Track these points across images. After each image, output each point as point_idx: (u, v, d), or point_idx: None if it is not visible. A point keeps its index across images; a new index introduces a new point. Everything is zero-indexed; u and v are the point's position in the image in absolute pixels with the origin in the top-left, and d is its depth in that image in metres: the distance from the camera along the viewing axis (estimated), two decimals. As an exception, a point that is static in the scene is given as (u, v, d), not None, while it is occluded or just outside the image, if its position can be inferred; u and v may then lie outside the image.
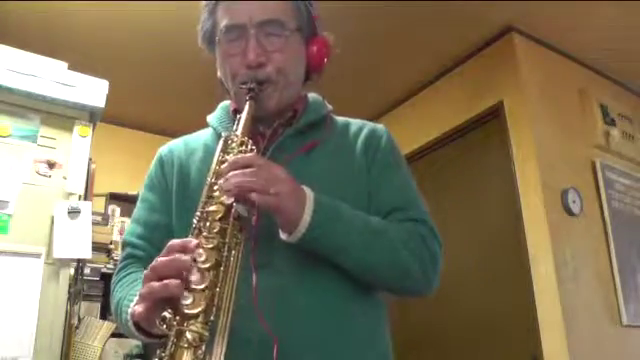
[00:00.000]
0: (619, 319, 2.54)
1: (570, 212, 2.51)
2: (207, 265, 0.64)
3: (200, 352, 0.59)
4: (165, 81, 3.15)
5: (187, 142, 0.99)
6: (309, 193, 0.77)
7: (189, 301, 0.61)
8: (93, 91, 1.85)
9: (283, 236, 0.77)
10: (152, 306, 0.64)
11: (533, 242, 2.43)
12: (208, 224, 0.69)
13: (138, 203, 0.97)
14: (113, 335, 2.08)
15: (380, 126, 0.99)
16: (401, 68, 3.06)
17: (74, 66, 1.92)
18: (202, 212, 0.71)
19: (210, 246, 0.66)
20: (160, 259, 0.65)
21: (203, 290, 0.62)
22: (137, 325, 0.71)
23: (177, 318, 0.61)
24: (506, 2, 2.51)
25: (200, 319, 0.61)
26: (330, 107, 0.98)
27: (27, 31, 2.60)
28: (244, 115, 0.82)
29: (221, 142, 0.80)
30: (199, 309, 0.61)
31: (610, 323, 2.50)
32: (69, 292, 1.69)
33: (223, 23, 0.88)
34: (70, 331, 1.72)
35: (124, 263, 0.92)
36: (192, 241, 0.66)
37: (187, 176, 0.92)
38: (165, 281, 0.61)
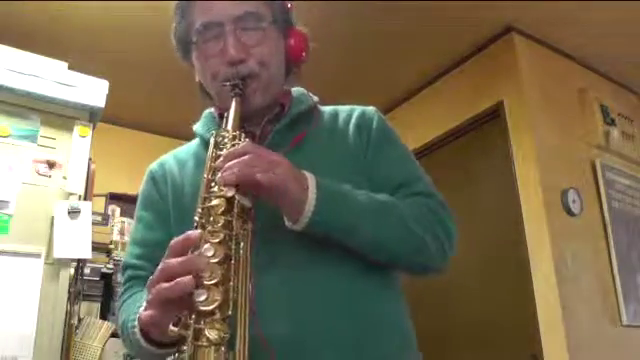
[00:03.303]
0: (619, 319, 2.54)
1: (570, 212, 2.51)
2: (217, 259, 0.61)
3: (223, 350, 0.56)
4: (165, 81, 3.14)
5: (176, 155, 0.97)
6: (309, 175, 0.74)
7: (203, 297, 0.57)
8: (93, 91, 1.85)
9: (289, 224, 0.74)
10: (162, 310, 0.60)
11: (533, 242, 2.43)
12: (211, 219, 0.65)
13: (134, 223, 0.95)
14: (113, 335, 2.08)
15: (370, 108, 0.96)
16: (401, 68, 3.05)
17: (74, 66, 1.92)
18: (203, 208, 0.67)
19: (217, 240, 0.63)
20: (168, 261, 0.61)
21: (216, 285, 0.59)
22: (147, 336, 0.68)
23: (193, 317, 0.57)
24: (506, 2, 2.51)
25: (217, 315, 0.57)
26: (316, 98, 0.96)
27: (27, 31, 2.60)
28: (232, 112, 0.80)
29: (212, 139, 0.77)
30: (215, 305, 0.57)
31: (610, 323, 2.50)
32: (69, 292, 1.69)
33: (198, 22, 0.85)
34: (70, 331, 1.71)
35: (126, 286, 0.89)
36: (193, 233, 0.63)
37: (181, 188, 0.89)
38: (176, 279, 0.58)
